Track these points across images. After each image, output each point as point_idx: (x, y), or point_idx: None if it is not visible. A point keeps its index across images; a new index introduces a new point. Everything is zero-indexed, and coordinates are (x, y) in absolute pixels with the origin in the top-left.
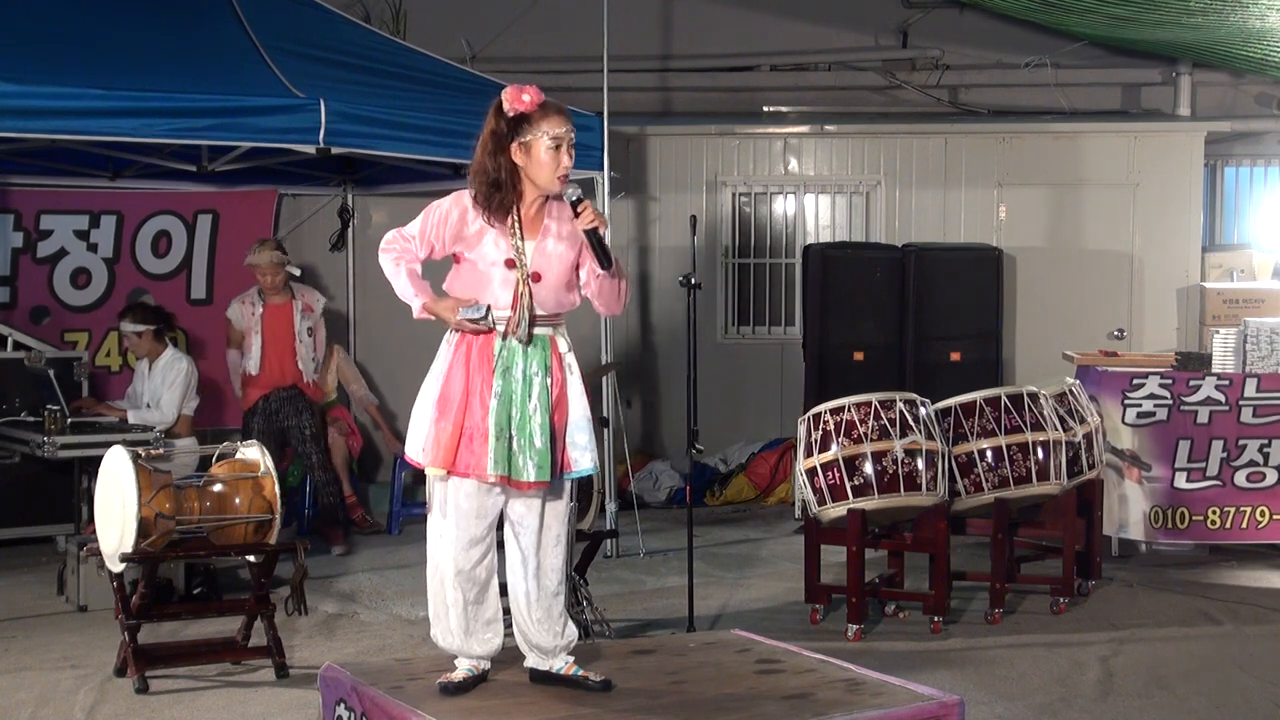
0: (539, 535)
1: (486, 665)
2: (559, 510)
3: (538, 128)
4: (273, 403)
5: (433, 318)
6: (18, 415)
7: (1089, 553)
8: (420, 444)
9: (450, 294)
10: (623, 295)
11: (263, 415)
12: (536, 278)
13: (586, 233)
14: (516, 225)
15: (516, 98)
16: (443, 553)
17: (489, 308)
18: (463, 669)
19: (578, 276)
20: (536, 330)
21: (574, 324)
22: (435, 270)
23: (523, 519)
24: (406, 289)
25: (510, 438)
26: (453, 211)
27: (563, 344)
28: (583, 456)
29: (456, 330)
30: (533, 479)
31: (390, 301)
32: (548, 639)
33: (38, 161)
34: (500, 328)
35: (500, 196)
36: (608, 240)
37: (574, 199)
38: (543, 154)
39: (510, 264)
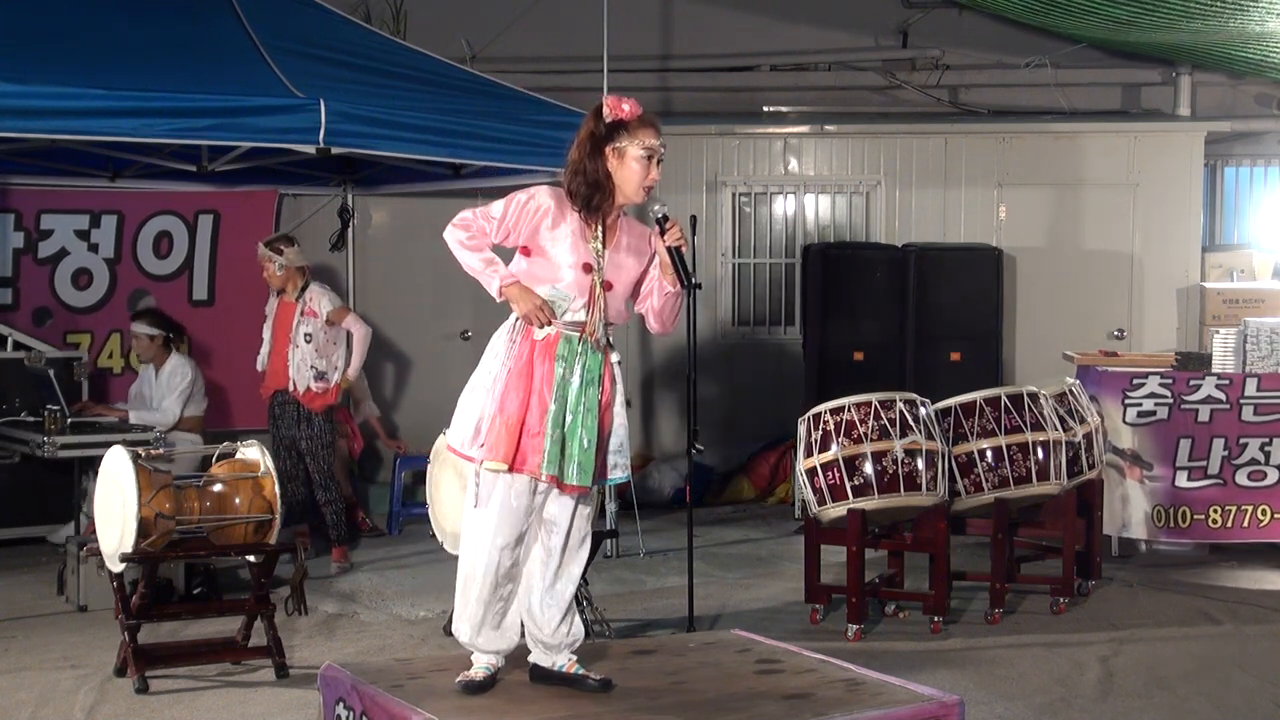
0: (568, 537)
1: (502, 664)
2: (588, 514)
3: (634, 136)
4: (275, 407)
5: (508, 299)
6: (18, 415)
7: (1089, 553)
8: (472, 437)
9: None
10: (677, 316)
11: (271, 420)
12: (608, 285)
13: (670, 250)
14: (600, 230)
15: (617, 105)
16: (481, 547)
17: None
18: (480, 666)
19: (635, 293)
20: (599, 339)
21: None
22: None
23: (557, 519)
24: (485, 266)
25: (562, 439)
26: (541, 205)
27: (614, 354)
28: (621, 465)
29: (524, 318)
30: (575, 482)
31: (390, 302)
32: (553, 635)
33: (38, 161)
34: (568, 332)
35: (599, 197)
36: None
37: (661, 215)
38: (634, 162)
39: (588, 268)
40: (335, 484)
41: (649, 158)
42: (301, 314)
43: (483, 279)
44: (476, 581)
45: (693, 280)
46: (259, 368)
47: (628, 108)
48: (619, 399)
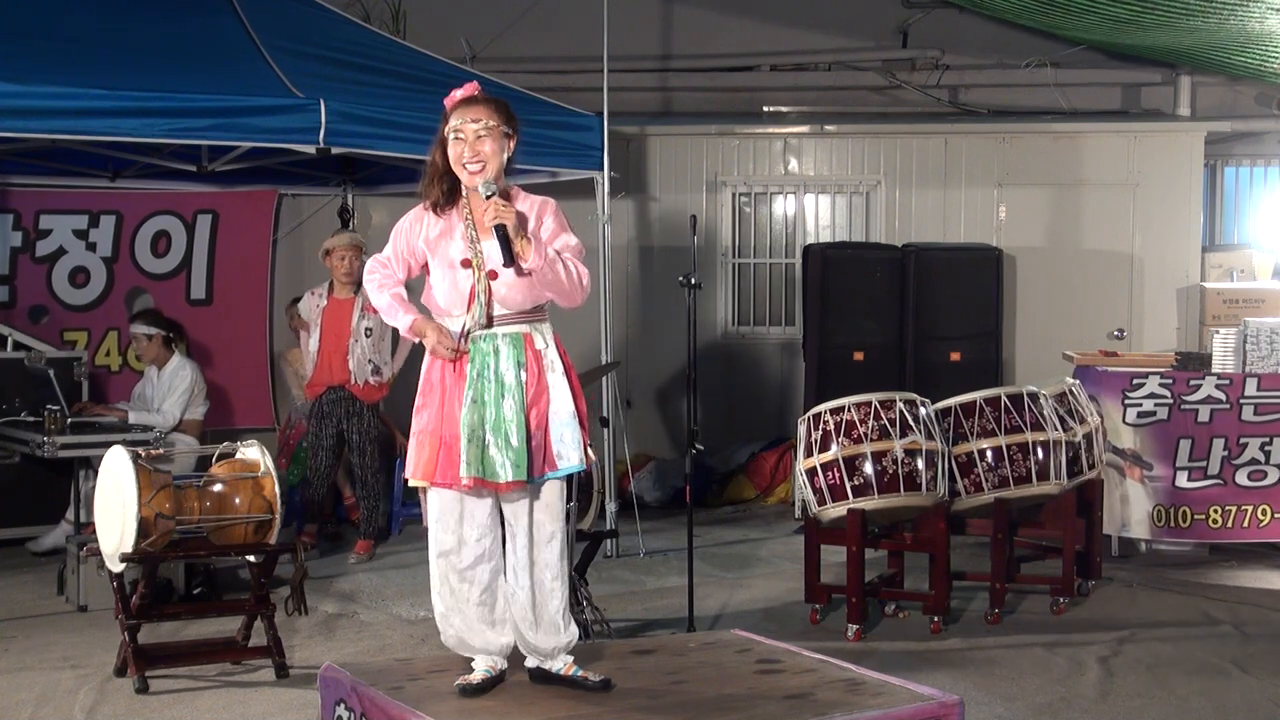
0: (530, 534)
1: (503, 665)
2: (549, 508)
3: (449, 120)
4: (324, 404)
5: (418, 339)
6: (18, 415)
7: (1089, 553)
8: (412, 459)
9: (429, 306)
10: (571, 286)
11: (316, 418)
12: (494, 275)
13: (495, 228)
14: (471, 223)
15: (451, 94)
16: (440, 558)
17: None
18: (480, 670)
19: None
20: (509, 328)
21: (575, 323)
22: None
23: (516, 517)
24: (393, 309)
25: (484, 439)
26: (408, 220)
27: (539, 340)
28: (570, 453)
29: (432, 354)
30: (509, 478)
31: None
32: (544, 640)
33: (38, 161)
34: (472, 332)
35: (434, 187)
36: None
37: (485, 194)
38: (450, 145)
39: (466, 264)
40: (377, 479)
41: (456, 137)
42: (362, 309)
43: (395, 322)
44: (448, 588)
45: (516, 260)
46: (310, 370)
47: (460, 94)
48: (559, 385)
